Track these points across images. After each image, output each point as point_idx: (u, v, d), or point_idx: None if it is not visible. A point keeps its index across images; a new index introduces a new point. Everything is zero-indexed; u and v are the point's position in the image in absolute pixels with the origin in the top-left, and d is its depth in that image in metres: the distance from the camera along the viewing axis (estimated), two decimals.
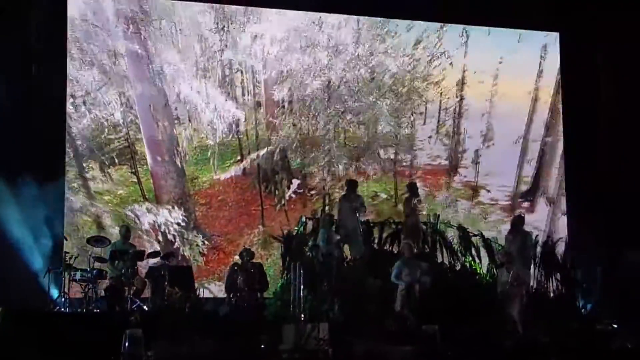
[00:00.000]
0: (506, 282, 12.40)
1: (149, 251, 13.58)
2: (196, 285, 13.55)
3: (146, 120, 15.70)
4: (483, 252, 14.64)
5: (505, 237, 13.73)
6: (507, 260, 12.67)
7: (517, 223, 13.57)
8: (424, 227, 14.33)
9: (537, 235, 14.29)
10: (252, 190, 16.38)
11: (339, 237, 13.18)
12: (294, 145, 16.80)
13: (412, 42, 17.43)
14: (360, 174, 16.79)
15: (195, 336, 10.60)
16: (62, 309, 12.24)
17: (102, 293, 12.63)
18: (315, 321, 11.39)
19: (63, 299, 12.34)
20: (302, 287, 12.04)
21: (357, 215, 13.72)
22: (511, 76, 17.77)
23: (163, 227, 15.41)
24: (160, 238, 15.28)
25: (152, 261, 13.31)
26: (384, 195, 17.03)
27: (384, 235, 14.48)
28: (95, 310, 12.22)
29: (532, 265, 13.90)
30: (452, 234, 14.86)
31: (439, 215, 15.27)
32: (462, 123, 17.74)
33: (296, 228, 14.34)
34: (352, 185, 14.31)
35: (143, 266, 13.42)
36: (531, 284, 13.53)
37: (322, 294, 12.43)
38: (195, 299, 12.01)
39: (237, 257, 13.84)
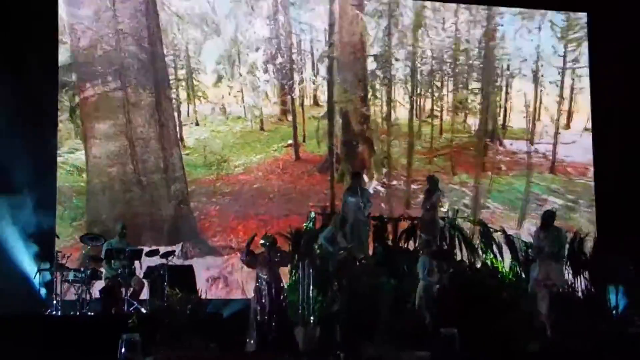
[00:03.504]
0: (535, 279, 12.35)
1: (147, 249, 13.39)
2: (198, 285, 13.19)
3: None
4: (505, 249, 14.52)
5: (534, 233, 13.48)
6: (538, 257, 12.63)
7: (548, 218, 13.43)
8: (442, 222, 14.20)
9: (566, 231, 14.17)
10: (307, 177, 15.19)
11: (345, 245, 13.11)
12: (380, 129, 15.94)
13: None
14: (467, 166, 16.11)
15: (197, 340, 10.68)
16: (54, 312, 12.13)
17: (97, 295, 12.54)
18: (326, 323, 11.45)
19: (55, 301, 12.22)
20: (311, 287, 11.92)
21: (363, 212, 13.65)
22: None
23: None
24: None
25: (151, 260, 13.15)
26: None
27: (399, 231, 14.40)
28: (89, 313, 12.10)
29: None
30: (471, 230, 14.80)
31: (457, 210, 15.11)
32: None
33: (305, 224, 14.14)
34: (357, 177, 14.10)
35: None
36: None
37: (333, 295, 12.36)
38: (197, 301, 11.83)
39: None
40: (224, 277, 14.47)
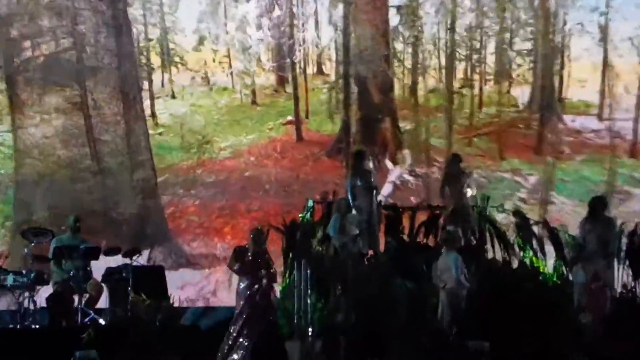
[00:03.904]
0: (583, 283, 12.11)
1: (107, 247, 13.20)
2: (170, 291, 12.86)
3: None
4: (548, 245, 14.18)
5: (580, 224, 13.16)
6: (582, 255, 12.39)
7: (597, 206, 13.11)
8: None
9: (622, 223, 13.86)
10: (313, 162, 14.76)
11: (357, 232, 12.95)
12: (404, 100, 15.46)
13: None
14: (518, 149, 15.45)
15: (168, 357, 10.65)
16: None
17: (44, 303, 12.30)
18: (327, 336, 11.37)
19: None
20: (309, 291, 11.80)
21: (374, 197, 13.48)
22: None
23: None
24: None
25: (111, 260, 12.97)
26: None
27: (417, 223, 14.23)
28: (33, 326, 11.91)
29: (617, 262, 13.29)
30: (506, 222, 14.57)
31: (488, 197, 14.88)
32: None
33: (301, 215, 13.95)
34: (360, 156, 13.88)
35: (99, 267, 12.92)
36: (615, 286, 13.04)
37: (336, 301, 12.23)
38: (168, 309, 11.72)
39: None
40: (204, 299, 13.87)
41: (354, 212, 13.31)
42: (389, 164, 15.93)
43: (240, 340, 10.84)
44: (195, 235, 13.64)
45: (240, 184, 14.35)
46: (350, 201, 13.41)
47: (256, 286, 10.93)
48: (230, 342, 10.82)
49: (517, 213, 14.61)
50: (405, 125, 15.95)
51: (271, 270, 11.04)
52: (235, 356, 10.81)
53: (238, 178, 14.46)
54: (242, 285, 11.05)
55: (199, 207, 13.94)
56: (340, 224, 12.94)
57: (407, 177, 15.51)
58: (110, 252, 12.97)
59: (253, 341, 10.77)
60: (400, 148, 15.91)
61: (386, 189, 15.51)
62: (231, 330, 10.87)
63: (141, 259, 13.28)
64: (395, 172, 15.72)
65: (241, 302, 10.90)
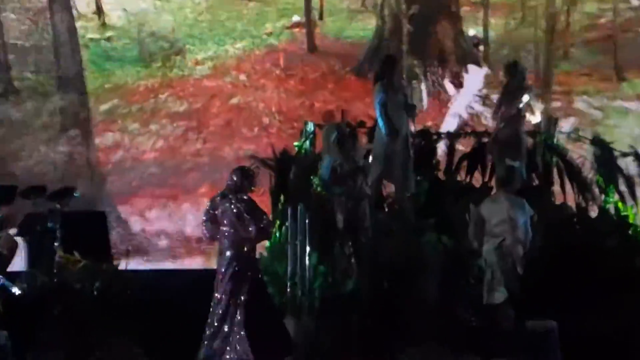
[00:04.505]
0: None
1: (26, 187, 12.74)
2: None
3: None
4: None
5: None
6: None
7: None
8: (531, 140, 13.65)
9: None
10: (334, 84, 14.13)
11: (364, 153, 12.36)
12: None
13: None
14: None
15: (111, 339, 10.42)
16: None
17: None
18: (333, 310, 11.24)
19: None
20: (308, 250, 11.56)
21: (408, 117, 12.88)
22: None
23: None
24: None
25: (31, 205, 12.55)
26: None
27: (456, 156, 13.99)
28: None
29: None
30: (581, 154, 14.07)
31: (556, 120, 14.41)
32: None
33: (297, 144, 13.40)
34: (391, 64, 13.06)
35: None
36: None
37: (345, 262, 11.78)
38: (110, 273, 11.32)
39: None
40: None
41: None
42: (450, 87, 15.25)
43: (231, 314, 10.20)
44: (153, 199, 12.68)
45: (226, 115, 13.69)
46: (382, 125, 12.51)
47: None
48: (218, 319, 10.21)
49: (597, 141, 14.12)
50: (467, 29, 15.06)
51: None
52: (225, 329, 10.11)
53: (222, 107, 13.81)
54: (228, 242, 10.25)
55: (161, 152, 13.11)
56: (337, 167, 11.80)
57: (478, 106, 14.71)
58: (30, 193, 12.42)
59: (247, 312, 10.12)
60: (466, 63, 14.99)
61: (448, 123, 14.66)
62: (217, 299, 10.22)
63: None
64: (461, 100, 14.93)
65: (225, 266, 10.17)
